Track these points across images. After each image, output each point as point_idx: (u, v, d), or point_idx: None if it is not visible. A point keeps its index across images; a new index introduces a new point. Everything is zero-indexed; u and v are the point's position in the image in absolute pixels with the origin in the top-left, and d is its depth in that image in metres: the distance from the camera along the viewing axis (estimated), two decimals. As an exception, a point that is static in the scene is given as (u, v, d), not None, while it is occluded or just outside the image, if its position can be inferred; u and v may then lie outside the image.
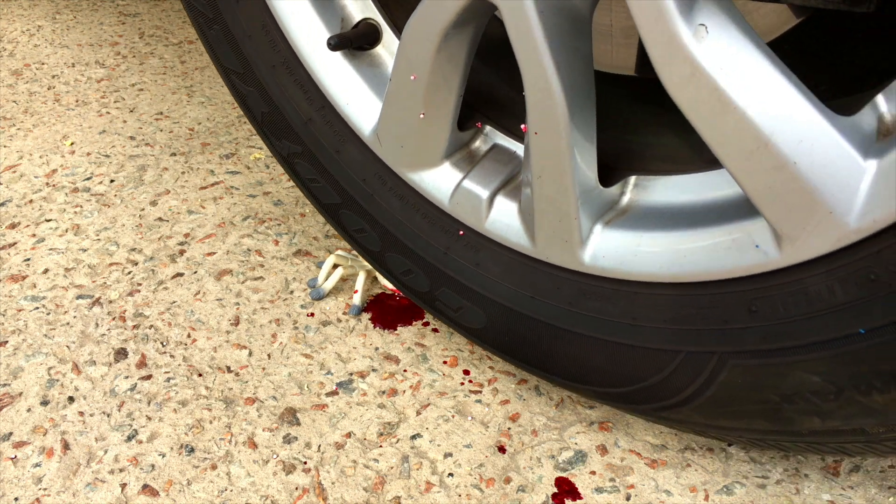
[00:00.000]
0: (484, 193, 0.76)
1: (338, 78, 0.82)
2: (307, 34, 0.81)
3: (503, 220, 0.76)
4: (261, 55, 0.85)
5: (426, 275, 0.84)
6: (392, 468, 0.79)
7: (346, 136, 0.83)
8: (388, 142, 0.80)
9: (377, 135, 0.81)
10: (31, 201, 1.21)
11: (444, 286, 0.82)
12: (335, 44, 0.77)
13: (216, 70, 0.96)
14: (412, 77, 0.73)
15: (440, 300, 0.83)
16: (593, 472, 0.78)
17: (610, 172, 0.72)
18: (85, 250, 1.11)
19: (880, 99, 0.52)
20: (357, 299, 0.97)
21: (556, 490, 0.76)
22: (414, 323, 0.96)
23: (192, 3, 0.88)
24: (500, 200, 0.76)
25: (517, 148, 0.79)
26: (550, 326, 0.75)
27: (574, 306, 0.72)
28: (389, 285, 0.98)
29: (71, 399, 0.89)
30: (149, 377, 0.91)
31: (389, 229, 0.85)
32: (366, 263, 0.99)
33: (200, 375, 0.91)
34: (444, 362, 0.90)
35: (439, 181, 0.79)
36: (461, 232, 0.79)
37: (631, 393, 0.71)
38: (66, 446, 0.83)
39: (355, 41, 0.79)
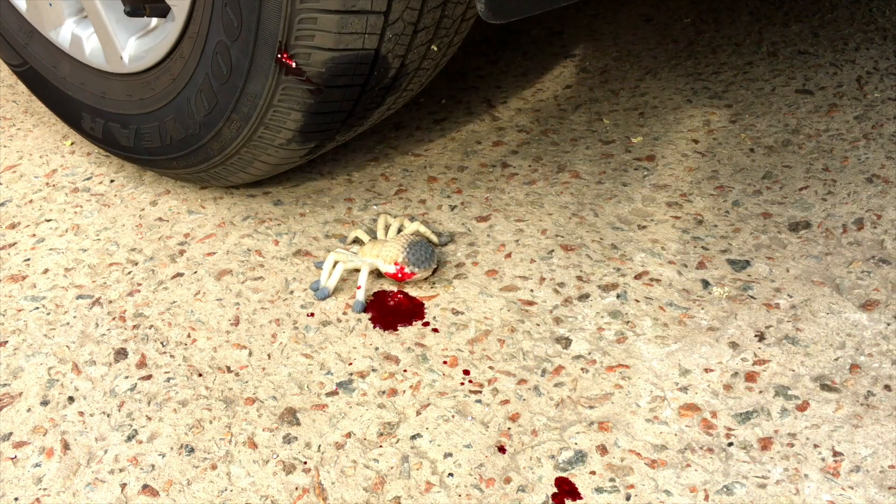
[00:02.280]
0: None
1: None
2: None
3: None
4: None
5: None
6: (392, 468, 0.79)
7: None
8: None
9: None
10: (31, 201, 1.21)
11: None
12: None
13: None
14: None
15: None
16: (593, 472, 0.78)
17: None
18: (85, 250, 1.11)
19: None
20: (360, 295, 0.97)
21: (556, 490, 0.76)
22: (414, 323, 0.96)
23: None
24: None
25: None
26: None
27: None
28: (391, 270, 0.98)
29: (71, 399, 0.89)
30: (149, 377, 0.91)
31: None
32: (367, 258, 1.00)
33: (200, 375, 0.91)
34: (444, 362, 0.90)
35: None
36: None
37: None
38: (66, 446, 0.83)
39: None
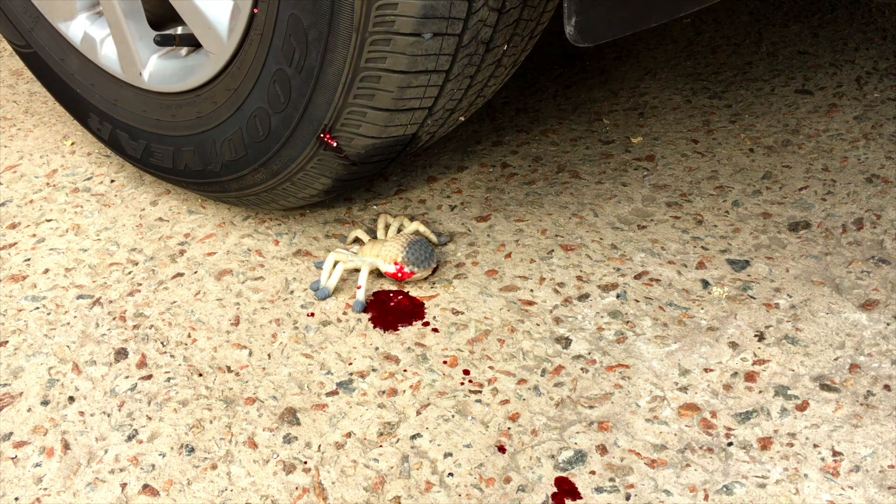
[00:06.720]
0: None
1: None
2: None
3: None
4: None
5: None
6: (392, 468, 0.79)
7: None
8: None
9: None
10: (31, 201, 1.22)
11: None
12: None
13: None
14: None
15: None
16: (593, 472, 0.78)
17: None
18: (85, 250, 1.11)
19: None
20: (360, 295, 0.98)
21: (555, 490, 0.76)
22: (414, 323, 0.96)
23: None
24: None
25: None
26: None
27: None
28: (390, 270, 0.99)
29: (71, 399, 0.89)
30: (149, 377, 0.91)
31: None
32: (367, 258, 1.00)
33: (201, 375, 0.91)
34: (444, 362, 0.90)
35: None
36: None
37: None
38: (66, 446, 0.84)
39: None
